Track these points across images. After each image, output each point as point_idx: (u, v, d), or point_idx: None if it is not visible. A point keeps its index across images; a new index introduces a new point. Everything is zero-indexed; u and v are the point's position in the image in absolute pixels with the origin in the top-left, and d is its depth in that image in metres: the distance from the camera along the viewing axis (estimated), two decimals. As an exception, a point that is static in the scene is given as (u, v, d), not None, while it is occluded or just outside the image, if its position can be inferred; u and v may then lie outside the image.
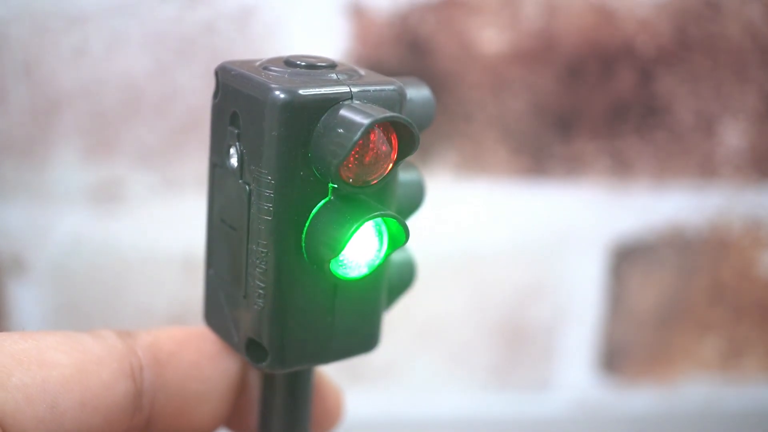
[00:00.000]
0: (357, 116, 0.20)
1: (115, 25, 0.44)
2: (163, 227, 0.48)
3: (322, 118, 0.20)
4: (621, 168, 0.51)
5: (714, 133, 0.51)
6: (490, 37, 0.47)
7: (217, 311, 0.24)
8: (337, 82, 0.21)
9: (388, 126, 0.21)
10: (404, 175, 0.24)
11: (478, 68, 0.48)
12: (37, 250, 0.47)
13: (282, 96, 0.20)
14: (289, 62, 0.22)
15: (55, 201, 0.47)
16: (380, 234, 0.22)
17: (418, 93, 0.24)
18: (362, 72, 0.22)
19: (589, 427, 0.54)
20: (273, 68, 0.21)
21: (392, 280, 0.25)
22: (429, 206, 0.26)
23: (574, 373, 0.54)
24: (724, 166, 0.51)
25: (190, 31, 0.45)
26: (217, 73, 0.22)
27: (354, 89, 0.21)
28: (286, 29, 0.46)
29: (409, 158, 0.22)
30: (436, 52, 0.47)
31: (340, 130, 0.20)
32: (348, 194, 0.21)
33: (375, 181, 0.21)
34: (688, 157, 0.51)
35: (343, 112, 0.20)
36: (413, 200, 0.25)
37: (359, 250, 0.22)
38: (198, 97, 0.46)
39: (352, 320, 0.23)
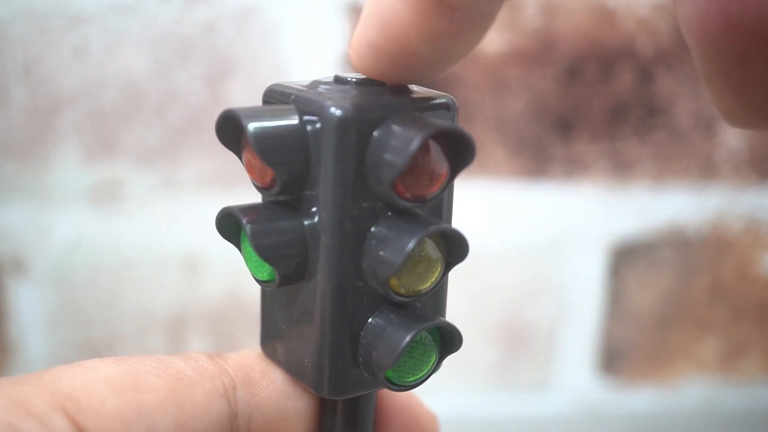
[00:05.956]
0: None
1: (115, 25, 0.44)
2: (163, 227, 0.48)
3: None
4: (621, 168, 0.51)
5: (714, 133, 0.51)
6: (490, 37, 0.47)
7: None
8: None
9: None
10: None
11: (478, 68, 0.47)
12: (37, 250, 0.47)
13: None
14: (338, 79, 0.21)
15: (55, 201, 0.47)
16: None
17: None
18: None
19: (589, 427, 0.54)
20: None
21: None
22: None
23: (574, 373, 0.54)
24: (723, 166, 0.51)
25: (189, 32, 0.45)
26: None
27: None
28: (286, 30, 0.46)
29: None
30: (435, 53, 0.47)
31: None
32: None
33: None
34: (688, 157, 0.51)
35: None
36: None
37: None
38: (198, 97, 0.45)
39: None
